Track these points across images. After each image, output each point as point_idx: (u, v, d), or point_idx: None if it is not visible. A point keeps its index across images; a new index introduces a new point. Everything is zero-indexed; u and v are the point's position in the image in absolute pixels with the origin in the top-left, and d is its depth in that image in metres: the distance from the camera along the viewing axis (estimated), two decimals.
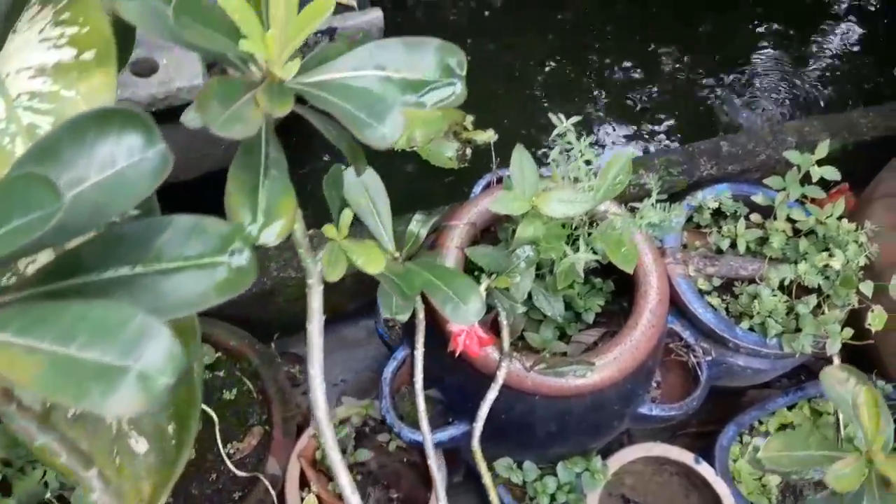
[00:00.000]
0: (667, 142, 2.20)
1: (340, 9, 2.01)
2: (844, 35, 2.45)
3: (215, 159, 1.79)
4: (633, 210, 1.27)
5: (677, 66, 2.32)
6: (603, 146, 2.18)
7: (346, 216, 0.77)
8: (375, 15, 1.96)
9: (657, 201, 1.30)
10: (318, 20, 0.50)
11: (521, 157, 1.11)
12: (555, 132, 1.10)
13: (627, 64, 2.31)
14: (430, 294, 0.83)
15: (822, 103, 2.30)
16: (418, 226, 1.02)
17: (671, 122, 2.22)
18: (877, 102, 2.28)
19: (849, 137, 2.01)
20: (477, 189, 1.54)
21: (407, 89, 0.56)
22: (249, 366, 1.54)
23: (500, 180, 1.56)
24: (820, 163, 1.47)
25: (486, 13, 2.38)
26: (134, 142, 0.41)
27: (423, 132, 2.15)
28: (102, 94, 0.49)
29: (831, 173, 1.46)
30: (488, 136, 2.10)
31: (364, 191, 0.91)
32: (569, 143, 1.08)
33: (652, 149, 2.17)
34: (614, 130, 2.19)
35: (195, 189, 1.87)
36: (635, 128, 2.20)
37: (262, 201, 0.51)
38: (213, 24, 0.48)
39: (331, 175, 0.81)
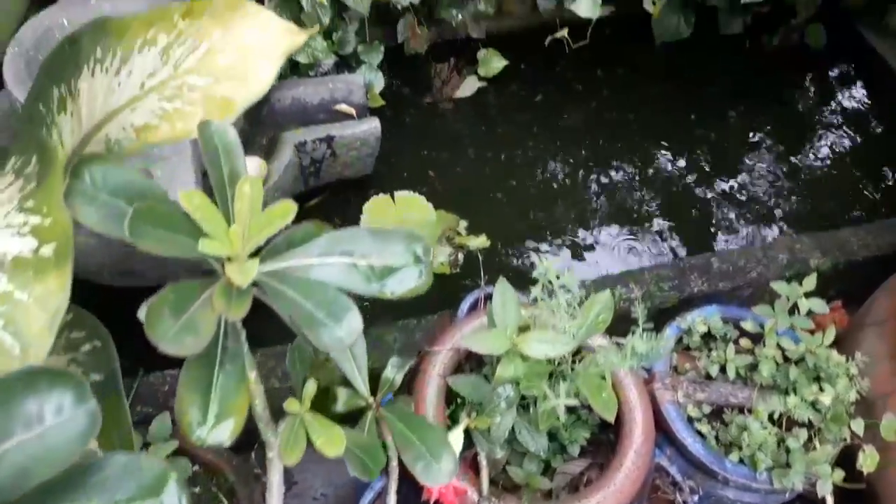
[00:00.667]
0: (662, 245, 2.20)
1: (340, 117, 2.06)
2: (838, 144, 2.49)
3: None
4: (620, 342, 1.25)
5: (672, 170, 2.35)
6: (595, 246, 2.18)
7: (310, 389, 0.75)
8: (373, 125, 2.01)
9: (644, 330, 1.28)
10: (282, 222, 0.50)
11: (503, 291, 1.11)
12: (536, 272, 1.10)
13: (623, 169, 2.34)
14: (401, 449, 0.80)
15: (815, 212, 2.31)
16: (394, 371, 1.00)
17: (665, 225, 2.23)
18: (870, 211, 2.30)
19: (840, 256, 2.00)
20: (464, 306, 1.53)
21: (372, 278, 0.56)
22: (226, 482, 1.49)
23: (488, 297, 1.55)
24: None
25: (484, 118, 2.43)
26: (63, 399, 0.39)
27: None
28: (54, 299, 0.48)
29: (819, 306, 1.44)
30: (481, 241, 2.11)
31: (347, 350, 0.90)
32: (550, 281, 1.08)
33: (645, 255, 2.17)
34: (608, 234, 2.20)
35: None
36: (630, 232, 2.21)
37: (214, 402, 0.50)
38: (174, 226, 0.48)
39: (295, 348, 0.79)
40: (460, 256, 2.07)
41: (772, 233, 2.27)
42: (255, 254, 0.56)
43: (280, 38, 0.75)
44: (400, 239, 0.57)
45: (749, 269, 1.95)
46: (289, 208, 0.50)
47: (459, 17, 2.32)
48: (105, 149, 0.77)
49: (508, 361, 1.05)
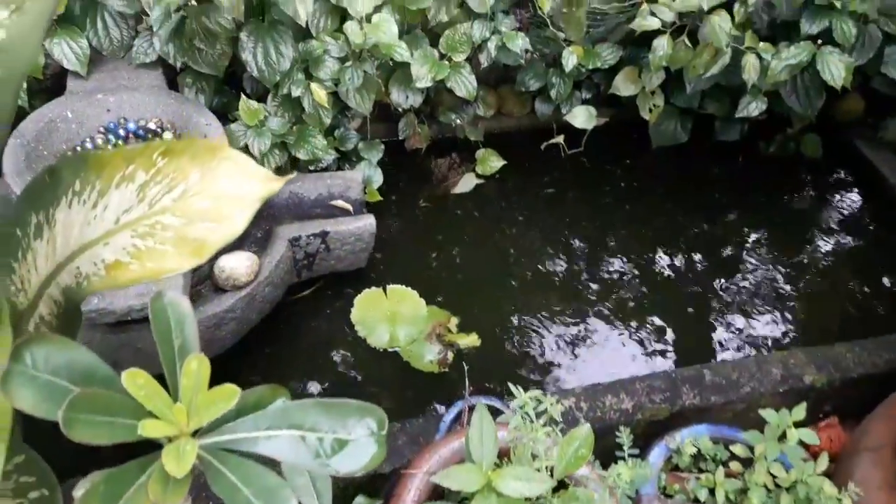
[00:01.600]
0: (655, 345, 2.16)
1: (336, 212, 2.07)
2: (833, 250, 2.49)
3: (216, 346, 1.77)
4: (602, 474, 1.21)
5: (668, 271, 2.34)
6: (589, 347, 2.14)
7: None
8: (368, 221, 2.01)
9: (630, 455, 1.24)
10: (225, 406, 0.48)
11: (481, 421, 1.08)
12: (513, 403, 1.07)
13: (619, 269, 2.33)
14: None
15: (811, 318, 2.28)
16: None
17: (661, 327, 2.20)
18: (866, 318, 2.27)
19: (835, 373, 1.96)
20: (447, 418, 1.49)
21: (322, 453, 0.53)
22: None
23: (472, 409, 1.52)
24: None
25: (481, 215, 2.44)
26: None
27: (406, 332, 2.14)
28: None
29: (809, 437, 1.40)
30: (472, 340, 2.08)
31: (311, 486, 0.86)
32: (526, 413, 1.05)
33: (640, 357, 2.12)
34: (602, 335, 2.16)
35: None
36: (624, 332, 2.18)
37: None
38: (115, 410, 0.47)
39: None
40: (450, 355, 2.04)
41: (767, 335, 2.24)
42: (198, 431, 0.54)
43: (257, 184, 0.75)
44: (353, 411, 0.55)
45: (742, 384, 1.91)
46: (233, 393, 0.49)
47: (457, 121, 2.37)
48: (74, 282, 0.76)
49: (483, 499, 1.01)
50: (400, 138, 2.44)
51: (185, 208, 0.74)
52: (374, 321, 2.07)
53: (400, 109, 2.28)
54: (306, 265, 2.01)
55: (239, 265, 1.73)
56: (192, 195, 0.74)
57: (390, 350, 2.03)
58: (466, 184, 2.48)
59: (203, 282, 1.79)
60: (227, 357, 1.85)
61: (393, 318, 2.09)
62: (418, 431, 1.73)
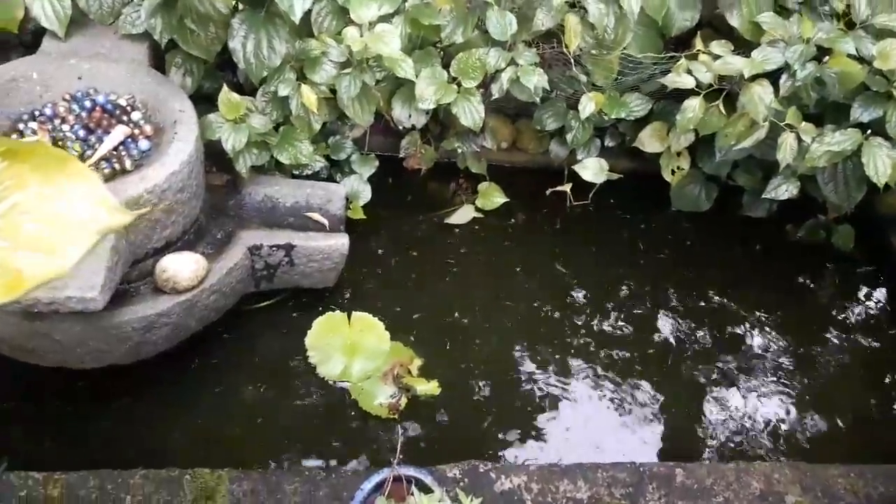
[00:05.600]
0: (636, 421, 1.97)
1: (312, 224, 1.93)
2: (847, 349, 2.29)
3: (118, 355, 1.65)
4: None
5: (664, 338, 2.16)
6: (561, 412, 1.97)
7: None
8: (341, 241, 1.87)
9: None
10: None
11: None
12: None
13: (612, 328, 2.14)
14: None
15: (810, 420, 2.09)
16: None
17: (645, 397, 2.01)
18: (870, 433, 2.06)
19: (822, 498, 1.77)
20: (366, 486, 1.33)
21: None
22: None
23: (397, 479, 1.36)
24: None
25: (471, 250, 2.28)
26: None
27: (362, 366, 1.98)
28: None
29: None
30: (431, 388, 1.92)
31: None
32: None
33: (614, 426, 1.93)
34: (580, 398, 1.98)
35: (96, 378, 1.73)
36: (605, 398, 1.99)
37: None
38: None
39: None
40: (404, 400, 1.88)
41: (758, 431, 2.03)
42: None
43: (103, 213, 0.61)
44: None
45: (716, 492, 1.73)
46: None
47: (461, 150, 2.23)
48: None
49: None
50: (400, 156, 2.30)
51: (12, 229, 0.60)
52: (330, 349, 1.93)
53: (400, 128, 2.14)
54: (266, 276, 1.88)
55: (183, 268, 1.60)
56: (23, 213, 0.60)
57: (339, 384, 1.88)
58: (463, 216, 2.33)
59: (144, 278, 1.66)
60: (155, 362, 1.72)
61: (351, 348, 1.94)
62: (342, 485, 1.57)
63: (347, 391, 1.87)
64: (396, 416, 1.85)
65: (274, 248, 1.82)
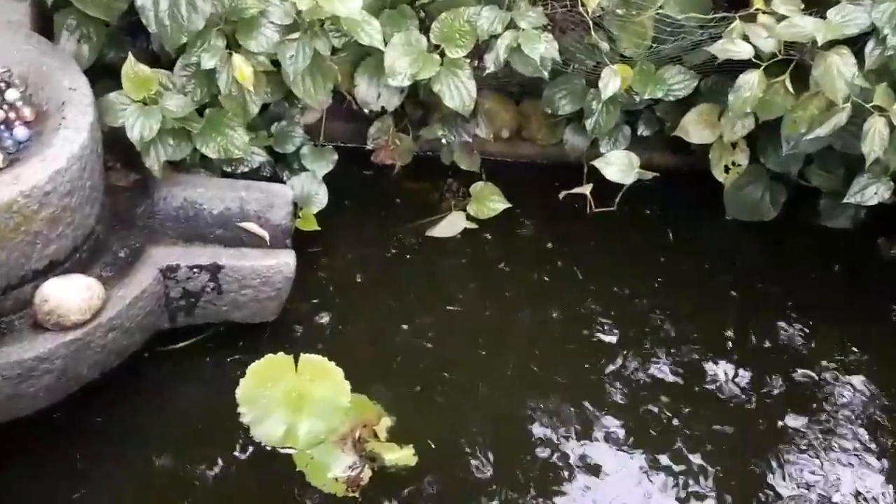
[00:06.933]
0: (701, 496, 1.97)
1: (247, 238, 1.95)
2: None
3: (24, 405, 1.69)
4: None
5: (716, 383, 2.18)
6: (578, 483, 1.96)
7: None
8: (285, 260, 1.91)
9: None
10: None
11: None
12: None
13: (646, 370, 2.18)
14: None
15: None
16: None
17: (684, 465, 2.01)
18: None
19: None
20: None
21: None
22: None
23: None
24: None
25: (458, 274, 2.34)
26: None
27: (311, 427, 1.94)
28: None
29: None
30: (405, 456, 1.92)
31: None
32: None
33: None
34: (606, 466, 1.98)
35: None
36: (635, 465, 2.00)
37: None
38: None
39: None
40: (367, 473, 1.88)
41: None
42: None
43: None
44: None
45: None
46: None
47: (446, 142, 2.28)
48: None
49: None
50: (368, 147, 2.35)
51: None
52: (269, 403, 1.94)
53: (367, 111, 2.19)
54: (184, 307, 1.91)
55: (70, 297, 1.62)
56: None
57: (282, 450, 1.89)
58: (451, 226, 2.38)
59: (20, 310, 1.67)
60: (34, 422, 1.73)
61: (298, 402, 1.97)
62: None
63: (292, 460, 1.88)
64: (356, 495, 1.85)
65: (195, 270, 1.85)
